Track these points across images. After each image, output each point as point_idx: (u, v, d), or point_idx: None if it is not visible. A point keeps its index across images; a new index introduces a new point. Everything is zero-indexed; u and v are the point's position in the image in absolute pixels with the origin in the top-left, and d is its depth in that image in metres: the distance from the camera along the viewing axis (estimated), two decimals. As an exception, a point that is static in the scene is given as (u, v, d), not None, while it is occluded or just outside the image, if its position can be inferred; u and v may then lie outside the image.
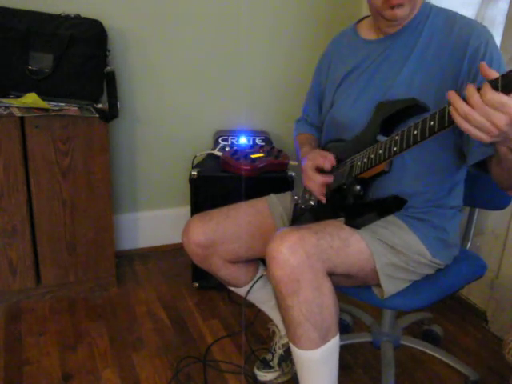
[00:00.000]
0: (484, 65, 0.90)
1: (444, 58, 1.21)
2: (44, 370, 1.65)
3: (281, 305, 1.17)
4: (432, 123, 1.01)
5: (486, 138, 0.91)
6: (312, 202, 1.37)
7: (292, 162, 2.06)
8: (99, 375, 1.64)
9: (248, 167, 1.94)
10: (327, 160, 1.32)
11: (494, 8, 1.83)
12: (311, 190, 1.36)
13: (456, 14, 1.26)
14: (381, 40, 1.33)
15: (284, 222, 1.49)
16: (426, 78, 1.23)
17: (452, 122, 0.96)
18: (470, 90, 0.90)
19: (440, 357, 1.66)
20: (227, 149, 2.12)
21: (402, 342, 1.65)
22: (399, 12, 1.22)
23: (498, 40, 1.82)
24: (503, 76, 0.86)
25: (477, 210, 1.55)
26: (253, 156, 2.00)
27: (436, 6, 1.30)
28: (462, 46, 1.18)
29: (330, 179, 1.31)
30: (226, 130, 2.32)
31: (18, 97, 1.82)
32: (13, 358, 1.70)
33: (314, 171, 1.33)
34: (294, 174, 2.01)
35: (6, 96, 1.83)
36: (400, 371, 1.68)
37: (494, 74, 0.89)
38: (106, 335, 1.83)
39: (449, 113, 0.96)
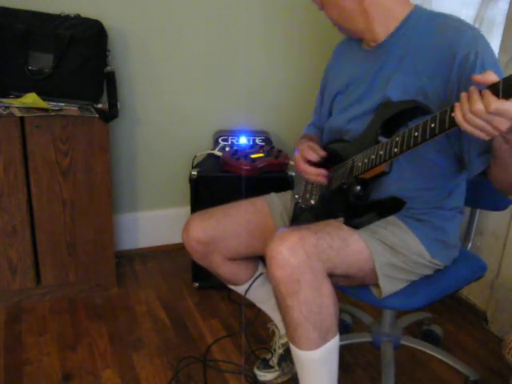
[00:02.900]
0: (477, 77, 0.90)
1: (434, 64, 1.20)
2: (44, 370, 1.65)
3: (280, 305, 1.18)
4: (433, 125, 1.01)
5: (486, 137, 0.94)
6: (312, 202, 1.38)
7: (292, 162, 2.06)
8: (99, 375, 1.64)
9: (248, 167, 1.94)
10: (314, 152, 1.37)
11: (494, 8, 1.83)
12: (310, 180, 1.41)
13: (447, 17, 1.24)
14: (373, 51, 1.33)
15: (284, 220, 1.49)
16: (417, 84, 1.22)
17: (453, 124, 0.96)
18: (474, 98, 0.90)
19: (440, 357, 1.66)
20: (227, 149, 2.12)
21: (402, 342, 1.65)
22: (341, 31, 1.36)
23: (497, 40, 1.81)
24: (504, 80, 0.86)
25: (478, 210, 1.55)
26: (253, 156, 2.00)
27: (427, 10, 1.29)
28: (451, 53, 1.16)
29: (323, 172, 1.34)
30: (226, 130, 2.32)
31: (18, 97, 1.82)
32: (13, 358, 1.70)
33: (306, 164, 1.37)
34: (293, 173, 2.01)
35: (6, 96, 1.83)
36: (400, 371, 1.68)
37: (491, 80, 0.89)
38: (106, 335, 1.83)
39: (450, 115, 0.96)
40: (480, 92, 0.90)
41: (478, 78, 0.90)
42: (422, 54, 1.22)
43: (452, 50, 1.16)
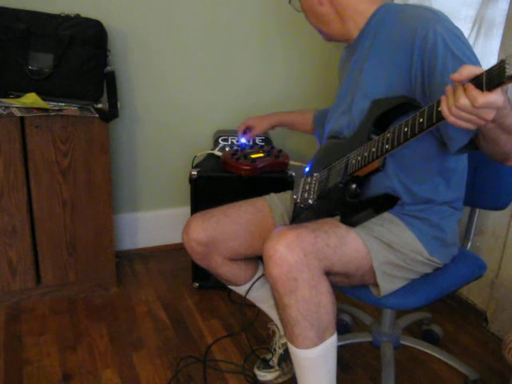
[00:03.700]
0: (454, 76, 0.90)
1: (397, 52, 1.21)
2: (44, 369, 1.65)
3: (278, 303, 1.18)
4: (421, 120, 1.01)
5: (472, 127, 0.94)
6: (310, 201, 1.38)
7: (292, 162, 2.06)
8: (99, 375, 1.64)
9: (248, 167, 1.94)
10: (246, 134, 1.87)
11: (494, 8, 1.83)
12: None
13: (410, 7, 1.29)
14: (350, 49, 1.40)
15: (284, 221, 1.49)
16: (386, 76, 1.24)
17: (440, 118, 0.96)
18: (459, 92, 0.90)
19: (440, 357, 1.66)
20: (227, 149, 2.12)
21: (402, 342, 1.65)
22: (323, 36, 1.45)
23: (497, 40, 1.81)
24: (487, 73, 0.86)
25: (477, 210, 1.55)
26: (253, 156, 1.99)
27: (396, 5, 1.33)
28: (411, 38, 1.17)
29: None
30: (225, 130, 2.32)
31: (18, 97, 1.82)
32: (13, 358, 1.70)
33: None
34: (294, 173, 2.01)
35: (5, 96, 1.83)
36: (400, 371, 1.68)
37: (470, 74, 0.88)
38: (106, 335, 1.83)
39: (436, 109, 0.97)
40: (463, 86, 0.90)
41: (455, 76, 0.90)
42: (387, 44, 1.25)
43: (411, 34, 1.18)
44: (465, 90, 0.89)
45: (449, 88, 0.93)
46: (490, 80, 0.85)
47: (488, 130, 1.01)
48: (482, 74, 0.87)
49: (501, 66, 0.83)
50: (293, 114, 1.82)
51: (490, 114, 0.90)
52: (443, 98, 0.94)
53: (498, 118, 0.95)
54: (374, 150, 1.16)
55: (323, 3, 1.34)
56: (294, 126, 1.82)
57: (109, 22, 1.97)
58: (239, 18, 2.28)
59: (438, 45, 1.12)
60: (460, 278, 1.40)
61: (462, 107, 0.90)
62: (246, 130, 1.91)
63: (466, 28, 1.90)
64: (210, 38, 2.26)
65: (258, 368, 1.65)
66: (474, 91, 0.88)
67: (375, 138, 1.18)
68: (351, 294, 1.36)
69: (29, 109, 1.77)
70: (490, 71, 0.86)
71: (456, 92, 0.91)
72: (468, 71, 0.89)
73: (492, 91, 0.86)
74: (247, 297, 1.55)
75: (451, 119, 0.93)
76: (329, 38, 1.45)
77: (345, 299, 1.62)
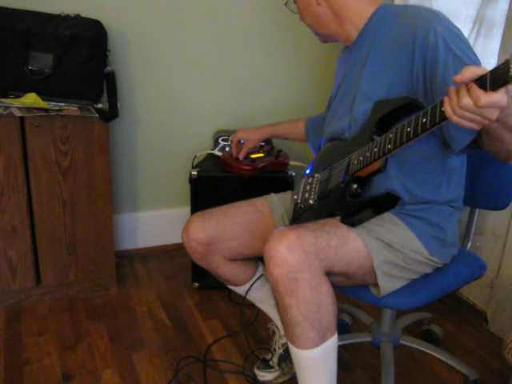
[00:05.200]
0: (457, 77, 0.90)
1: (398, 53, 1.22)
2: (44, 369, 1.65)
3: (279, 304, 1.18)
4: (424, 120, 1.01)
5: (476, 127, 0.94)
6: (311, 201, 1.38)
7: (292, 162, 2.06)
8: (99, 375, 1.64)
9: (248, 167, 1.94)
10: (239, 151, 1.84)
11: (494, 8, 1.83)
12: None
13: (408, 6, 1.30)
14: (349, 51, 1.39)
15: (285, 221, 1.49)
16: (386, 76, 1.24)
17: (443, 118, 0.96)
18: (462, 92, 0.90)
19: (440, 357, 1.66)
20: (227, 149, 2.12)
21: (402, 342, 1.65)
22: (320, 38, 1.46)
23: (498, 40, 1.81)
24: (491, 73, 0.86)
25: (477, 210, 1.55)
26: (253, 156, 1.99)
27: (395, 6, 1.34)
28: (411, 38, 1.18)
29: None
30: (226, 130, 2.32)
31: (18, 97, 1.82)
32: (13, 358, 1.70)
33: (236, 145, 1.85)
34: (294, 173, 2.01)
35: (5, 96, 1.83)
36: (400, 371, 1.68)
37: (472, 74, 0.88)
38: (106, 335, 1.83)
39: (440, 110, 0.97)
40: (467, 86, 0.90)
41: (457, 78, 0.90)
42: (387, 45, 1.25)
43: (412, 34, 1.18)
44: (468, 89, 0.90)
45: (452, 88, 0.93)
46: (495, 80, 0.85)
47: (493, 130, 1.01)
48: (486, 74, 0.87)
49: (505, 65, 0.83)
50: (284, 125, 1.77)
51: (493, 114, 0.90)
52: (446, 99, 0.94)
53: (502, 117, 0.95)
54: (375, 150, 1.16)
55: (320, 3, 1.34)
56: (286, 137, 1.79)
57: (109, 22, 1.97)
58: (239, 18, 2.28)
59: (439, 45, 1.13)
60: (460, 278, 1.40)
61: (465, 107, 0.90)
62: (240, 143, 1.86)
63: (466, 28, 1.90)
64: (210, 38, 2.26)
65: (258, 368, 1.65)
66: (477, 91, 0.88)
67: (377, 139, 1.18)
68: (351, 293, 1.36)
69: (29, 109, 1.77)
70: (494, 71, 0.86)
71: (459, 92, 0.91)
72: (470, 72, 0.89)
73: (496, 91, 0.86)
74: (247, 297, 1.55)
75: (455, 119, 0.93)
76: (325, 39, 1.45)
77: (345, 299, 1.63)
